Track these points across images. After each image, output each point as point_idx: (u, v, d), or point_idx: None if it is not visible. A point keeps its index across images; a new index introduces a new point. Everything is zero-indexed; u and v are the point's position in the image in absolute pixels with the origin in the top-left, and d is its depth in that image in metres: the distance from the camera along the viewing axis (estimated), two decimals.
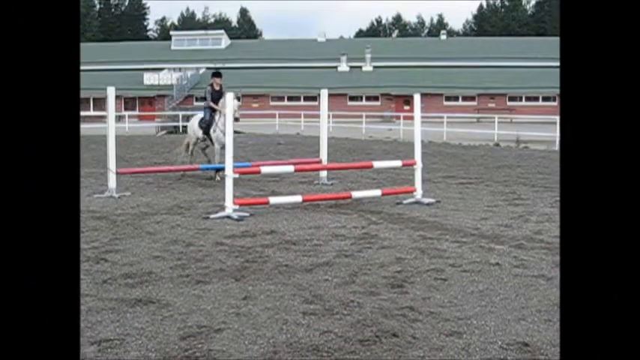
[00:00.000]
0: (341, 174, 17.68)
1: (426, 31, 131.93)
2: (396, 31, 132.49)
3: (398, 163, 14.76)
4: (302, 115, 48.45)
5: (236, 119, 14.49)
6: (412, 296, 6.92)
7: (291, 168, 13.67)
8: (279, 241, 9.63)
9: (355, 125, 47.00)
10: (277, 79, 76.29)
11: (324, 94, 17.50)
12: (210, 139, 17.50)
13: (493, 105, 73.50)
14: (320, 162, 16.24)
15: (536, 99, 75.47)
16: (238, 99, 14.72)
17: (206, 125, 17.49)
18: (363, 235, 10.11)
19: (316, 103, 16.97)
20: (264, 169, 13.44)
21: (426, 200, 13.36)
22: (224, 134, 14.81)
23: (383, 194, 13.45)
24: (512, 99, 75.86)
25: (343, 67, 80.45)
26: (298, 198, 12.63)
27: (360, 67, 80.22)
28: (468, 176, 18.40)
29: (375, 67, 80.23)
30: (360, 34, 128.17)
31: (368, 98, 75.91)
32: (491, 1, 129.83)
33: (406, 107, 67.28)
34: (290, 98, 74.35)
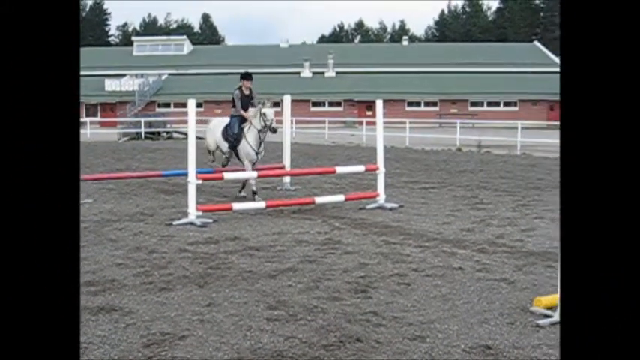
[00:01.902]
0: (304, 180, 17.70)
1: (388, 36, 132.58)
2: (359, 37, 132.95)
3: (361, 168, 14.79)
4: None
5: (273, 130, 14.28)
6: (376, 301, 6.94)
7: (254, 174, 13.66)
8: (242, 248, 9.61)
9: (318, 131, 47.06)
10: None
11: (287, 99, 17.52)
12: (237, 155, 14.91)
13: (455, 110, 74.05)
14: (283, 168, 16.23)
15: (497, 104, 76.15)
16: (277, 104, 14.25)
17: (234, 139, 14.80)
18: (327, 240, 10.13)
19: (279, 109, 17.05)
20: (227, 176, 13.41)
21: (389, 205, 13.41)
22: (256, 151, 14.42)
23: (346, 200, 13.49)
24: (474, 104, 76.46)
25: (306, 72, 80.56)
26: (261, 204, 12.63)
27: (323, 72, 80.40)
28: (431, 181, 18.50)
29: (337, 72, 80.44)
30: (322, 39, 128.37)
31: (331, 104, 76.10)
32: (453, 8, 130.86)
33: (369, 112, 67.45)
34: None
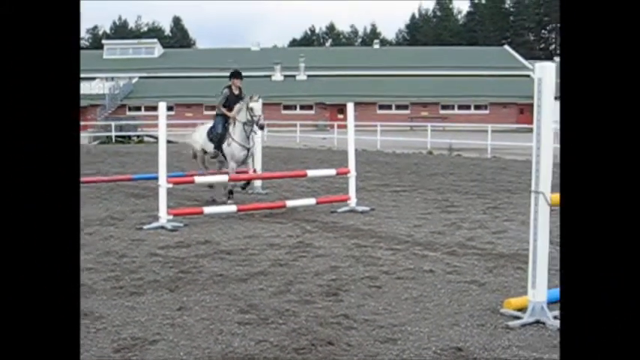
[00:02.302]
0: (275, 183, 17.69)
1: (359, 40, 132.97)
2: (330, 41, 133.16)
3: (332, 171, 14.81)
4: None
5: (261, 126, 13.92)
6: (347, 304, 6.95)
7: (225, 177, 13.62)
8: (213, 251, 9.59)
9: (289, 134, 47.06)
10: (211, 89, 75.84)
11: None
12: (224, 155, 14.43)
13: (426, 113, 74.40)
14: (254, 171, 16.21)
15: (468, 107, 76.62)
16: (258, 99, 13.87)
17: (218, 139, 14.40)
18: (298, 243, 10.13)
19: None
20: (198, 179, 13.37)
21: (360, 208, 13.44)
22: (242, 149, 13.98)
23: (317, 203, 13.50)
24: (444, 107, 76.85)
25: (277, 76, 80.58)
26: (233, 207, 12.60)
27: (294, 76, 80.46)
28: (402, 184, 18.56)
29: (308, 76, 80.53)
30: (293, 43, 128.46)
31: (302, 107, 76.16)
32: (424, 11, 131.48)
33: (340, 116, 67.58)
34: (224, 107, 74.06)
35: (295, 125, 47.99)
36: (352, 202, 13.61)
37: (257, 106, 13.83)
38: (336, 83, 77.31)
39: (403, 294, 7.35)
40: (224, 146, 14.22)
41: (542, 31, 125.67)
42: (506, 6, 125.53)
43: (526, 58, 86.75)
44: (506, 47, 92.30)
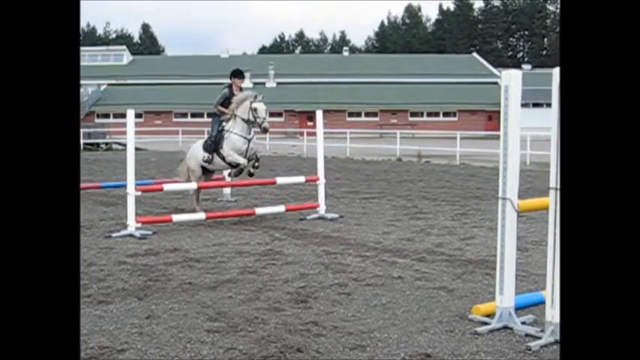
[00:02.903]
0: (245, 190, 17.65)
1: (329, 47, 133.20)
2: (299, 48, 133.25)
3: (301, 179, 14.81)
4: (205, 132, 48.15)
5: (265, 129, 13.10)
6: (316, 311, 6.95)
7: (194, 185, 13.57)
8: (182, 259, 9.55)
9: (259, 141, 46.86)
10: (180, 96, 75.77)
11: None
12: (223, 159, 13.32)
13: (395, 120, 74.68)
14: (223, 179, 16.16)
15: (437, 114, 77.02)
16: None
17: (213, 142, 13.39)
18: (267, 251, 10.12)
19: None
20: (167, 187, 13.30)
21: (330, 215, 13.45)
22: (243, 140, 13.11)
23: (287, 210, 13.49)
24: (413, 114, 77.17)
25: (246, 83, 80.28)
26: (202, 215, 12.56)
27: (264, 83, 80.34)
28: (371, 191, 18.60)
29: (278, 83, 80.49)
30: (263, 50, 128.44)
31: (271, 114, 75.28)
32: (392, 19, 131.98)
33: (309, 123, 67.59)
34: (193, 115, 73.86)
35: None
36: (321, 209, 13.62)
37: (261, 106, 13.16)
38: (305, 90, 77.36)
39: (372, 300, 7.36)
40: (222, 145, 13.20)
41: (510, 38, 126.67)
42: (475, 14, 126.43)
43: (494, 65, 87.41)
44: (475, 55, 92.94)
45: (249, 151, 13.26)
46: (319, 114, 14.36)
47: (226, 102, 13.44)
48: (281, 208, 13.52)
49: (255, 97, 13.21)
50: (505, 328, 6.34)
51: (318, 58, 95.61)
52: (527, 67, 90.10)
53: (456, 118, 75.86)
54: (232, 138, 13.12)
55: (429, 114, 77.15)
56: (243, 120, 13.11)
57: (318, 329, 6.34)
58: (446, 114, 77.13)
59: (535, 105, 66.02)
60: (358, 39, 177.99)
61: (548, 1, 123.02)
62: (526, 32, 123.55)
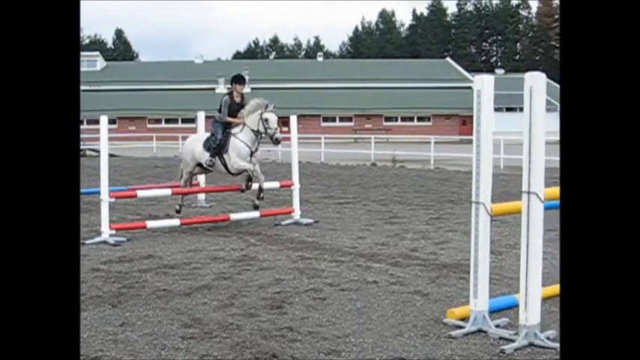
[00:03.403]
0: (219, 196, 17.59)
1: (303, 52, 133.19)
2: (273, 53, 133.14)
3: (276, 184, 14.78)
4: (180, 138, 48.09)
5: (277, 140, 12.77)
6: (291, 316, 6.95)
7: (168, 191, 13.52)
8: (157, 266, 9.51)
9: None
10: (154, 102, 75.52)
11: (201, 116, 17.46)
12: (224, 165, 13.01)
13: (370, 125, 74.83)
14: (198, 184, 16.11)
15: (411, 119, 77.32)
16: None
17: (217, 144, 12.90)
18: (242, 257, 10.10)
19: (194, 125, 17.00)
20: (141, 193, 13.24)
21: (305, 221, 13.45)
22: (249, 150, 12.78)
23: (261, 215, 13.47)
24: (388, 119, 77.40)
25: (221, 88, 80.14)
26: (176, 221, 12.52)
27: None
28: (346, 196, 18.62)
29: (252, 88, 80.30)
30: (237, 55, 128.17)
31: None
32: (367, 24, 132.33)
33: (284, 128, 67.47)
34: (167, 120, 73.71)
35: None
36: (296, 214, 13.62)
37: (273, 117, 12.77)
38: (280, 96, 76.92)
39: (347, 305, 7.37)
40: (228, 148, 12.80)
41: (484, 43, 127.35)
42: (448, 19, 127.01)
43: (468, 70, 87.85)
44: (448, 60, 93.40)
45: (252, 166, 12.85)
46: (293, 119, 14.38)
47: (231, 110, 13.03)
48: (256, 214, 13.49)
49: (267, 106, 12.81)
50: (479, 331, 6.37)
51: (293, 64, 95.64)
52: (500, 71, 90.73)
53: (430, 123, 76.19)
54: (238, 145, 12.75)
55: (404, 119, 77.45)
56: (252, 130, 12.75)
57: (293, 334, 6.34)
58: (420, 118, 77.46)
59: (508, 109, 66.60)
60: (332, 44, 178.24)
61: (521, 7, 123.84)
62: (499, 37, 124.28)
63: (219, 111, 13.11)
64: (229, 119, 12.94)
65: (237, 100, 13.15)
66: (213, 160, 13.02)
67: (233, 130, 12.85)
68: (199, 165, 13.49)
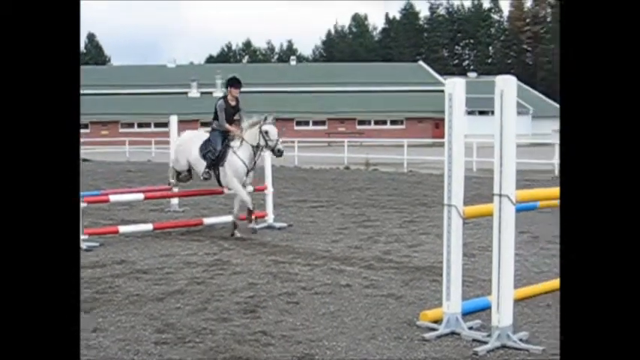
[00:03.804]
0: (193, 200, 17.52)
1: (276, 56, 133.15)
2: (246, 57, 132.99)
3: (249, 188, 14.75)
4: (153, 142, 47.91)
5: (279, 152, 12.38)
6: (265, 320, 6.94)
7: (140, 196, 13.45)
8: (129, 271, 9.46)
9: None
10: (127, 106, 75.16)
11: (174, 120, 17.40)
12: (218, 178, 12.59)
13: (343, 129, 74.90)
14: (171, 189, 16.05)
15: (384, 122, 77.52)
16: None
17: (215, 156, 12.39)
18: (215, 261, 10.08)
19: (167, 130, 16.95)
20: (114, 198, 13.17)
21: (278, 225, 13.44)
22: (247, 168, 12.36)
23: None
24: (361, 123, 77.52)
25: (194, 92, 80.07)
26: (149, 226, 12.47)
27: (211, 92, 79.96)
28: (319, 200, 18.62)
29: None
30: (210, 59, 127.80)
31: None
32: (339, 28, 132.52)
33: None
34: (140, 125, 73.34)
35: None
36: (269, 218, 13.61)
37: (272, 129, 12.31)
38: (253, 99, 76.95)
39: (321, 309, 7.38)
40: (224, 165, 12.35)
41: (456, 47, 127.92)
42: (421, 23, 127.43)
43: (440, 73, 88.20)
44: (421, 63, 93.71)
45: (246, 196, 12.39)
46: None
47: (227, 114, 12.59)
48: (229, 218, 13.45)
49: (265, 118, 12.39)
50: (452, 333, 6.40)
51: (266, 68, 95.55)
52: (472, 75, 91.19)
53: (403, 126, 76.40)
54: (236, 163, 12.30)
55: (377, 122, 77.63)
56: (251, 146, 12.34)
57: (267, 339, 6.34)
58: (393, 122, 77.66)
59: (481, 112, 66.86)
60: (305, 48, 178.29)
61: (493, 10, 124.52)
62: (471, 41, 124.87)
63: (215, 117, 12.65)
64: (228, 127, 12.49)
65: (233, 103, 12.73)
66: (210, 172, 12.57)
67: (232, 144, 12.39)
68: (189, 171, 13.09)
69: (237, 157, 12.26)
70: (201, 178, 12.75)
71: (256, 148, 12.35)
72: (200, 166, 12.62)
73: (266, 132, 12.23)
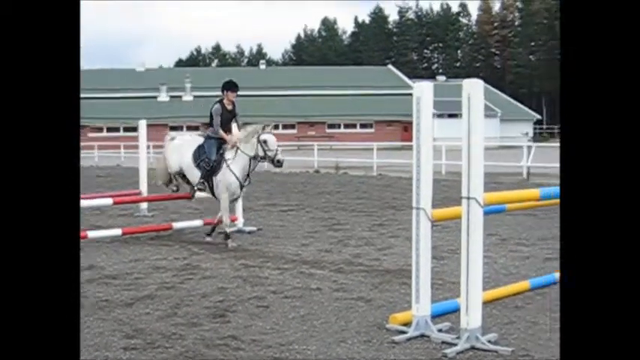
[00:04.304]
0: (162, 205, 17.44)
1: (246, 60, 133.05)
2: (216, 61, 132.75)
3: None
4: (122, 147, 47.63)
5: (279, 163, 11.71)
6: (234, 325, 6.93)
7: (109, 201, 13.37)
8: (98, 276, 9.40)
9: None
10: (96, 110, 74.59)
11: (142, 124, 17.30)
12: (211, 189, 11.99)
13: (313, 132, 74.97)
14: (140, 193, 15.97)
15: (354, 126, 77.66)
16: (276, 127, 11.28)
17: (210, 167, 11.83)
18: (185, 266, 10.04)
19: (136, 134, 16.88)
20: (82, 203, 13.05)
21: (248, 229, 13.42)
22: (240, 184, 11.90)
23: (204, 224, 13.38)
24: (331, 126, 77.64)
25: (163, 96, 79.77)
26: (118, 231, 12.39)
27: (180, 96, 79.79)
28: (289, 203, 18.62)
29: (195, 96, 79.96)
30: (179, 63, 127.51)
31: (189, 128, 75.41)
32: (309, 31, 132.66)
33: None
34: (109, 129, 72.92)
35: None
36: (239, 222, 13.59)
37: (271, 139, 11.64)
38: None
39: (290, 313, 7.37)
40: (217, 177, 11.81)
41: (425, 50, 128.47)
42: (390, 26, 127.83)
43: (409, 77, 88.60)
44: (390, 67, 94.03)
45: (227, 219, 12.00)
46: (235, 127, 14.32)
47: (223, 119, 12.07)
48: (199, 222, 13.43)
49: (264, 127, 11.76)
50: (422, 336, 6.42)
51: (235, 71, 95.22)
52: (441, 78, 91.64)
53: (372, 130, 76.61)
54: (229, 178, 11.74)
55: (347, 125, 77.77)
56: (248, 157, 11.73)
57: (237, 343, 6.32)
58: (363, 125, 77.85)
59: (450, 115, 67.16)
60: (275, 52, 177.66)
61: (461, 14, 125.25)
62: (440, 44, 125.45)
63: (211, 123, 12.15)
64: (223, 134, 11.93)
65: (229, 108, 12.24)
66: (205, 184, 11.98)
67: (227, 156, 11.77)
68: (181, 175, 12.53)
69: (230, 172, 11.69)
70: (195, 188, 12.26)
71: (253, 159, 11.80)
72: (193, 173, 12.14)
73: (264, 141, 11.59)
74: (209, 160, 11.81)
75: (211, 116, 12.11)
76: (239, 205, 13.66)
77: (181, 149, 12.52)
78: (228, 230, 11.92)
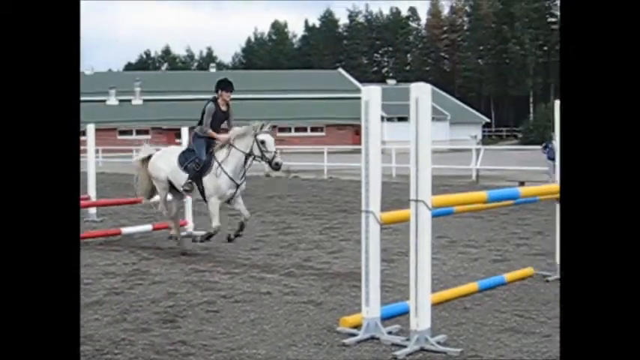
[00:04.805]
0: (112, 210, 17.28)
1: (196, 64, 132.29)
2: (166, 64, 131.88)
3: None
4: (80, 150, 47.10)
5: (277, 165, 10.94)
6: (184, 330, 6.90)
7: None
8: None
9: (126, 159, 46.16)
10: None
11: (91, 129, 17.14)
12: (201, 192, 11.24)
13: None
14: (88, 198, 15.80)
15: (304, 129, 77.76)
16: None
17: (198, 167, 11.05)
18: (134, 271, 9.96)
19: (84, 138, 16.65)
20: None
21: (198, 233, 13.34)
22: (232, 184, 11.06)
23: (154, 229, 13.31)
24: (281, 130, 77.43)
25: (112, 100, 79.03)
26: None
27: (130, 100, 79.15)
28: None
29: (144, 100, 79.45)
30: (129, 67, 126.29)
31: (138, 132, 74.95)
32: (259, 35, 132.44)
33: (178, 140, 66.88)
34: None
35: (132, 150, 47.14)
36: (190, 226, 13.52)
37: (270, 139, 10.92)
38: (172, 107, 76.57)
39: (241, 317, 7.36)
40: (206, 178, 11.03)
41: (375, 54, 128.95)
42: (340, 30, 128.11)
43: (360, 80, 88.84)
44: (341, 70, 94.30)
45: (217, 224, 11.21)
46: (185, 131, 14.30)
47: (215, 119, 11.33)
48: (148, 227, 13.34)
49: (262, 126, 11.02)
50: (372, 338, 6.45)
51: (185, 75, 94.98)
52: (391, 82, 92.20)
53: (323, 133, 76.76)
54: (219, 181, 10.97)
55: (297, 129, 77.79)
56: (244, 154, 10.98)
57: (187, 348, 6.29)
58: (314, 129, 77.98)
59: (400, 119, 67.56)
60: (225, 55, 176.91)
61: (411, 19, 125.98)
62: (390, 48, 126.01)
63: (201, 122, 11.33)
64: (212, 133, 11.18)
65: (224, 108, 11.47)
66: (193, 184, 11.16)
67: (217, 155, 11.06)
68: (172, 186, 11.69)
69: (222, 172, 10.94)
70: (181, 190, 11.46)
71: (248, 157, 11.02)
72: (180, 177, 11.33)
73: (262, 142, 10.86)
74: (199, 161, 11.07)
75: (203, 114, 11.34)
76: (189, 209, 13.59)
77: (165, 155, 11.97)
78: (213, 232, 11.24)
